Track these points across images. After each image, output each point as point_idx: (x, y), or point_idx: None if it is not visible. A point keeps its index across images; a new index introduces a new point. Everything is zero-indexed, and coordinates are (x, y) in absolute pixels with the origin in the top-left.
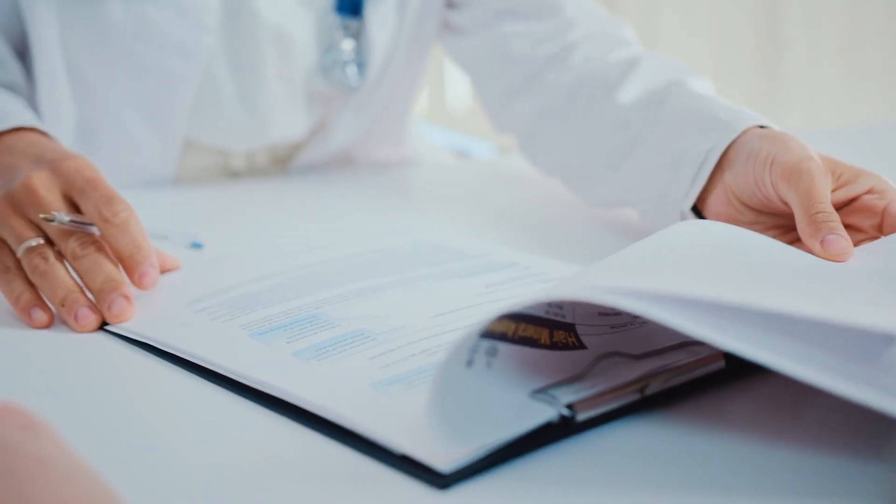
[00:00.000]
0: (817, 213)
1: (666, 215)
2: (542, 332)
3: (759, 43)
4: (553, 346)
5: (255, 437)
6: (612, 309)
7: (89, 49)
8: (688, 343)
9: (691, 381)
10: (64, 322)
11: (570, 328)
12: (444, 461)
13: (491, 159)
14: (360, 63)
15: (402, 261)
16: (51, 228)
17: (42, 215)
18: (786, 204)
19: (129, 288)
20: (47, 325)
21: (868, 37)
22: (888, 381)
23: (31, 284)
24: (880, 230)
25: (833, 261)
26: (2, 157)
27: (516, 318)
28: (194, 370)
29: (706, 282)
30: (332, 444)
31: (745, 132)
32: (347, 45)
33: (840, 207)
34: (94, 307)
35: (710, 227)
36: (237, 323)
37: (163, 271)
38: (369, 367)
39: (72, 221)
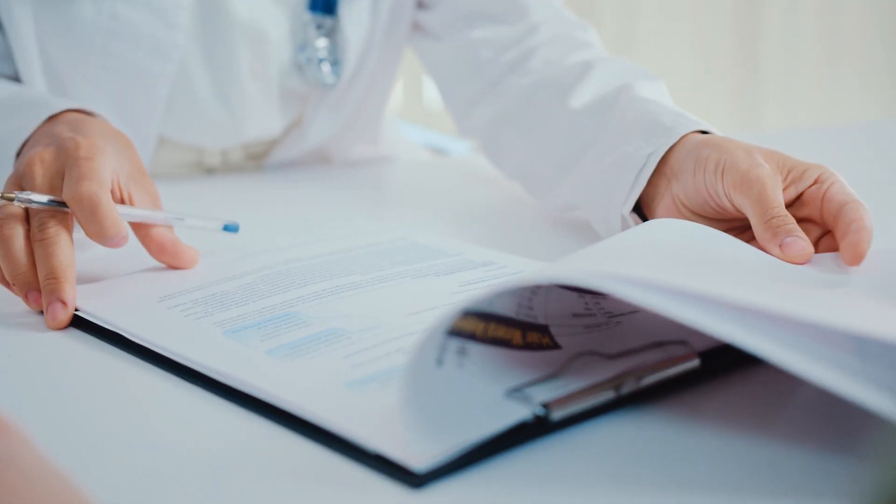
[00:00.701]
0: (771, 218)
1: (609, 219)
2: (515, 333)
3: (738, 40)
4: (527, 346)
5: (228, 435)
6: (587, 309)
7: (63, 48)
8: (662, 342)
9: (666, 381)
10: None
11: (543, 329)
12: (418, 460)
13: (466, 157)
14: (335, 61)
15: (377, 259)
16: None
17: (2, 194)
18: (740, 211)
19: (72, 286)
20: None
21: (847, 34)
22: (873, 373)
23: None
24: (821, 217)
25: (794, 263)
26: (42, 136)
27: (485, 317)
28: (165, 366)
29: (684, 272)
30: (305, 443)
31: (685, 137)
32: (321, 42)
33: (792, 203)
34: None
35: (675, 224)
36: (210, 320)
37: (171, 264)
38: (343, 366)
39: (32, 201)
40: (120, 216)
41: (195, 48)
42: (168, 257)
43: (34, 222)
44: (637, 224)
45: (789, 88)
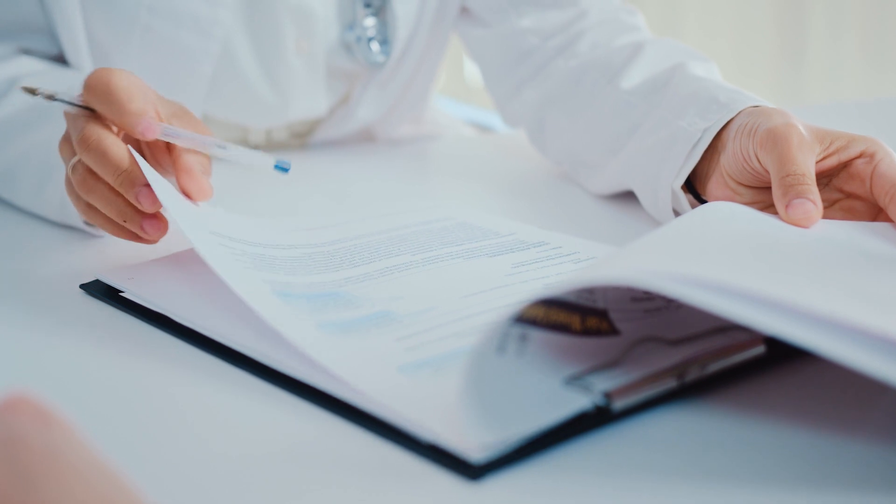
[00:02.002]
0: (787, 175)
1: (658, 195)
2: (574, 317)
3: (781, 30)
4: (585, 332)
5: (277, 422)
6: (646, 293)
7: (106, 25)
8: (725, 328)
9: (730, 368)
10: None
11: (602, 314)
12: (476, 451)
13: (512, 132)
14: (384, 40)
15: (427, 238)
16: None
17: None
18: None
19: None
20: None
21: (892, 22)
22: None
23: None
24: (872, 194)
25: (796, 225)
26: None
27: (546, 302)
28: (214, 350)
29: (744, 269)
30: (356, 429)
31: (740, 112)
32: (370, 21)
33: (835, 174)
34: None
35: (738, 211)
36: (260, 276)
37: (185, 188)
38: (396, 349)
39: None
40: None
41: (239, 25)
42: (185, 177)
43: (73, 133)
44: (687, 199)
45: (833, 76)
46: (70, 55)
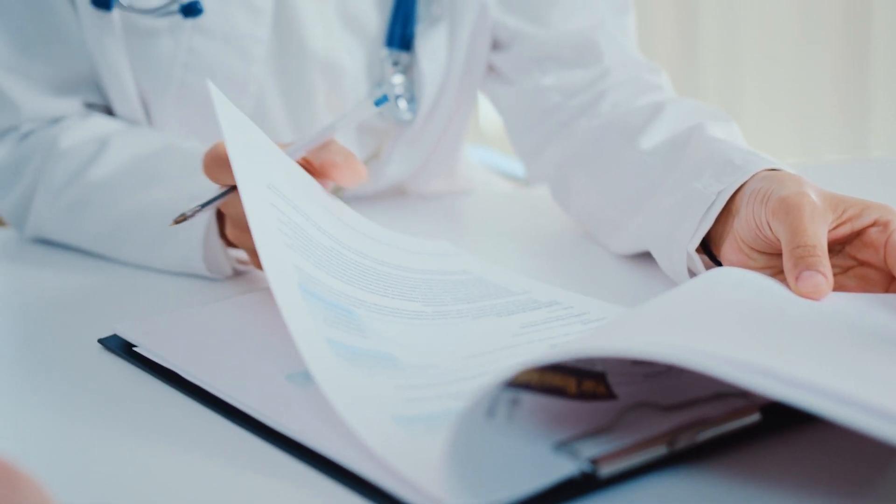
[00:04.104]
0: (797, 246)
1: (674, 257)
2: (570, 381)
3: (845, 40)
4: (581, 395)
5: (266, 482)
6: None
7: (144, 80)
8: (723, 394)
9: (724, 436)
10: None
11: (600, 377)
12: None
13: (542, 190)
14: (412, 97)
15: (441, 291)
16: None
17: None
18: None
19: None
20: None
21: None
22: None
23: None
24: (885, 263)
25: (806, 298)
26: None
27: (542, 367)
28: (213, 406)
29: (743, 339)
30: (347, 492)
31: (754, 175)
32: (398, 79)
33: (849, 242)
34: None
35: (748, 279)
36: (291, 260)
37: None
38: (394, 398)
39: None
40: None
41: (271, 80)
42: (335, 172)
43: None
44: (703, 262)
45: None
46: (118, 107)
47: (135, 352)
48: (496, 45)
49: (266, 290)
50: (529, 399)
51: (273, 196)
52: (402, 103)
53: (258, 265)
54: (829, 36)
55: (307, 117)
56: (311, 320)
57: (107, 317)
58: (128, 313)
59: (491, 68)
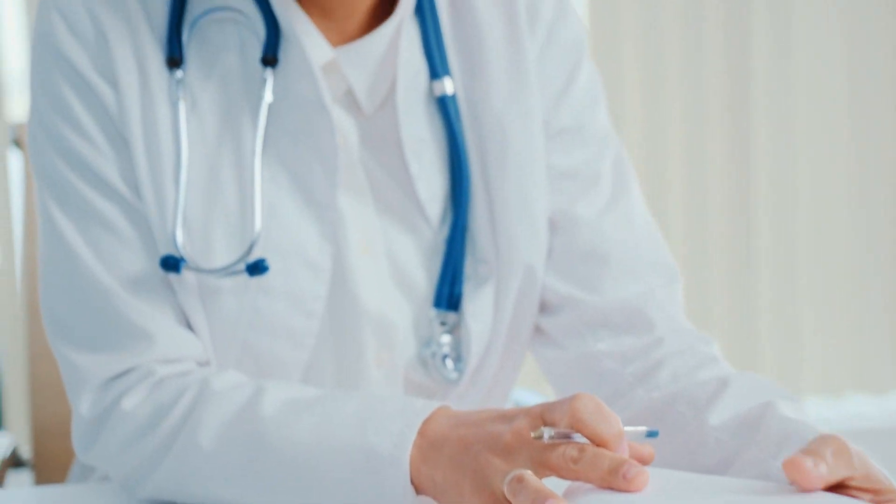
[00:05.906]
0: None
1: None
2: None
3: None
4: None
5: None
6: None
7: (209, 339)
8: None
9: None
10: None
11: None
12: None
13: None
14: (458, 357)
15: None
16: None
17: (533, 433)
18: None
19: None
20: None
21: None
22: None
23: None
24: None
25: None
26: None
27: None
28: None
29: None
30: None
31: None
32: (446, 339)
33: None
34: None
35: None
36: None
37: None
38: None
39: (557, 433)
40: None
41: (325, 334)
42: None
43: (566, 450)
44: None
45: None
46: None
47: None
48: (544, 308)
49: None
50: None
51: None
52: (449, 363)
53: None
54: None
55: (355, 372)
56: None
57: None
58: None
59: (539, 330)
